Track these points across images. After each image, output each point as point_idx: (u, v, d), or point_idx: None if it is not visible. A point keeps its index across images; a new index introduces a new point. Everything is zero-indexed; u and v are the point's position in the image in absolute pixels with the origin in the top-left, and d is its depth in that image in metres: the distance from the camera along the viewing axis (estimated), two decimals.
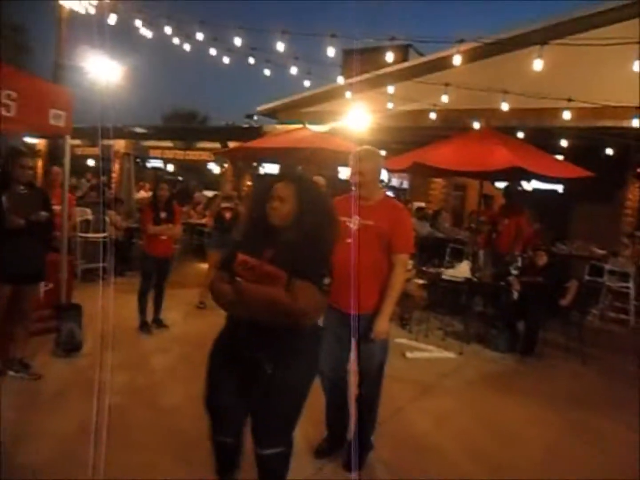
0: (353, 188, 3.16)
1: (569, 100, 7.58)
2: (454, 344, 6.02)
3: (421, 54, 13.26)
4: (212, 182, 17.08)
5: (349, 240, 2.97)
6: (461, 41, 6.39)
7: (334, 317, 3.23)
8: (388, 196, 3.31)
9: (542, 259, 6.30)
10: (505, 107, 7.86)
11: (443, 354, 5.73)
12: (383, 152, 11.14)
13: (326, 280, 2.33)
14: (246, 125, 14.67)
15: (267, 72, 8.30)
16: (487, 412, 4.36)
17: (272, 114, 13.88)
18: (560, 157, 8.56)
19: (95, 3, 8.64)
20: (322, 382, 3.30)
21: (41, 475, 2.88)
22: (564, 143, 9.20)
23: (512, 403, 4.56)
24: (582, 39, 7.77)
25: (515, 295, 6.26)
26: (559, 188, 11.19)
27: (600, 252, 9.09)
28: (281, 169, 9.92)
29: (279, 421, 2.42)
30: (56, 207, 5.06)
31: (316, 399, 3.59)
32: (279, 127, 12.46)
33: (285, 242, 2.32)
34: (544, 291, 6.03)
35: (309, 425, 3.54)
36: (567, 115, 7.78)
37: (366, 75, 10.54)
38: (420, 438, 3.75)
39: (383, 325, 3.07)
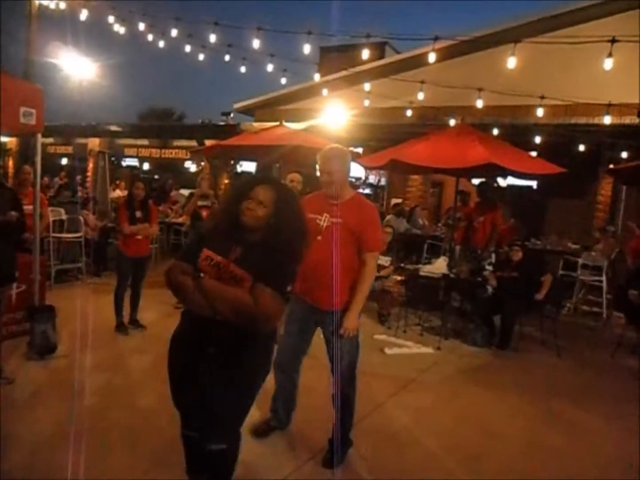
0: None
1: (542, 97, 7.70)
2: (432, 340, 6.07)
3: (397, 52, 13.35)
4: (189, 180, 16.92)
5: (319, 238, 3.00)
6: (436, 38, 6.43)
7: (300, 309, 3.25)
8: (358, 194, 3.33)
9: (518, 255, 6.39)
10: (480, 104, 7.94)
11: (421, 350, 5.78)
12: (360, 149, 11.20)
13: (289, 288, 2.35)
14: (223, 123, 14.54)
15: (243, 69, 8.26)
16: (465, 406, 4.41)
17: (248, 111, 13.82)
18: (534, 154, 8.69)
19: None
20: (274, 370, 3.31)
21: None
22: (537, 140, 9.34)
23: (490, 396, 4.62)
24: (554, 37, 7.90)
25: (489, 290, 6.34)
26: (534, 184, 11.38)
27: (574, 246, 9.27)
28: (261, 170, 9.87)
29: (226, 418, 2.40)
30: (28, 207, 4.96)
31: (302, 399, 3.60)
32: (256, 124, 12.40)
33: (254, 244, 2.30)
34: (519, 286, 6.12)
35: (292, 423, 3.56)
36: (540, 112, 7.90)
37: (343, 73, 10.56)
38: (399, 433, 3.78)
39: (352, 321, 3.10)
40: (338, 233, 3.00)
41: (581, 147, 9.62)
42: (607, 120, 7.69)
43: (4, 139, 16.78)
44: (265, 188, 2.34)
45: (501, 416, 4.24)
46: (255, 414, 3.52)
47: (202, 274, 2.22)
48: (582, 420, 4.24)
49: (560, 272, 8.29)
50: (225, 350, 2.29)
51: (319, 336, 5.95)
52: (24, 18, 9.58)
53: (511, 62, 6.31)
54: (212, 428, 2.40)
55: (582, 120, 8.93)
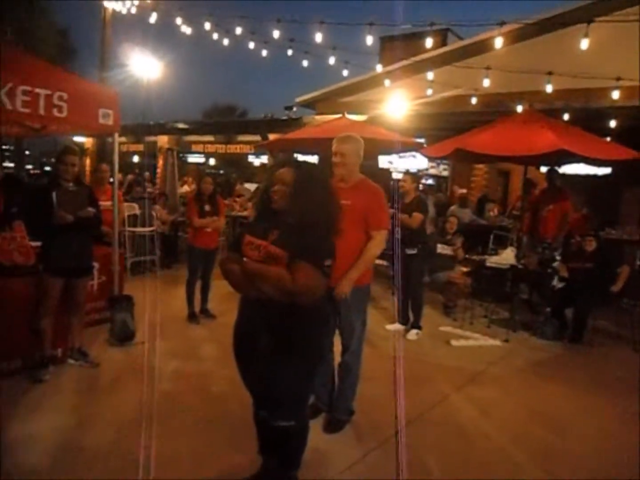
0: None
1: (618, 79, 7.30)
2: (500, 332, 5.94)
3: (460, 38, 12.99)
4: (253, 174, 17.30)
5: None
6: (502, 23, 6.23)
7: None
8: (366, 179, 3.48)
9: (591, 245, 6.13)
10: (549, 88, 7.63)
11: (489, 342, 5.67)
12: (422, 140, 10.96)
13: (327, 262, 2.45)
14: (285, 117, 14.74)
15: (305, 63, 8.33)
16: (536, 400, 4.30)
17: (310, 104, 13.91)
18: (608, 139, 8.26)
19: (137, 3, 8.85)
20: None
21: (102, 455, 3.05)
22: (612, 124, 8.86)
23: (562, 391, 4.48)
24: (629, 15, 7.44)
25: (556, 281, 6.11)
26: (608, 170, 10.81)
27: None
28: (321, 160, 9.94)
29: (287, 395, 2.53)
30: (105, 203, 5.26)
31: (368, 389, 3.65)
32: (318, 117, 12.48)
33: (290, 225, 2.44)
34: (593, 277, 5.87)
35: (357, 412, 3.62)
36: (615, 94, 7.49)
37: (404, 62, 10.41)
38: (467, 426, 3.74)
39: (344, 286, 3.22)
40: (347, 214, 3.00)
41: None
42: None
43: (82, 139, 17.82)
44: (286, 169, 2.52)
45: (573, 413, 4.11)
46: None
47: (245, 259, 2.41)
48: None
49: (638, 263, 7.85)
50: (278, 331, 2.44)
51: (379, 325, 6.00)
52: (95, 23, 10.12)
53: (584, 44, 6.01)
54: (277, 406, 2.55)
55: None
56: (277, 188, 2.47)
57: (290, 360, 2.46)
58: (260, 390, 2.60)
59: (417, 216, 5.70)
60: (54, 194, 3.95)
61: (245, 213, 10.43)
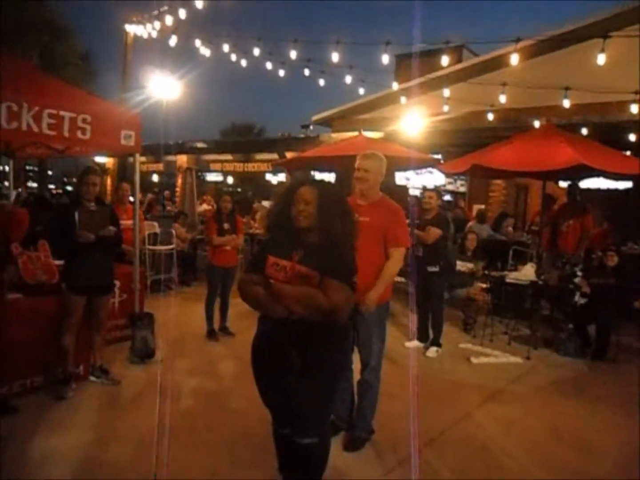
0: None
1: (636, 92, 7.25)
2: (521, 349, 5.86)
3: (475, 54, 13.03)
4: (270, 192, 17.43)
5: None
6: (518, 40, 6.26)
7: None
8: (385, 197, 3.52)
9: (613, 260, 6.05)
10: (567, 103, 7.61)
11: (509, 359, 5.60)
12: (439, 156, 10.95)
13: (354, 278, 2.46)
14: (302, 135, 14.89)
15: (321, 82, 8.43)
16: (558, 418, 4.22)
17: (327, 122, 14.03)
18: (627, 153, 8.18)
19: (158, 27, 9.08)
20: None
21: (122, 472, 3.06)
22: (631, 138, 8.78)
23: (584, 409, 4.40)
24: None
25: (578, 297, 6.02)
26: (630, 184, 10.68)
27: None
28: (338, 179, 10.00)
29: (311, 412, 2.51)
30: (126, 222, 5.35)
31: (387, 407, 3.63)
32: (334, 135, 12.57)
33: (312, 243, 2.46)
34: (616, 293, 5.78)
35: (377, 430, 3.59)
36: (634, 108, 7.44)
37: (420, 79, 10.47)
38: (488, 444, 3.68)
39: (372, 298, 3.25)
40: (365, 231, 3.01)
41: None
42: None
43: (103, 159, 18.18)
44: (307, 188, 2.52)
45: (597, 431, 4.02)
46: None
47: (271, 280, 2.39)
48: None
49: None
50: (302, 347, 2.43)
51: (398, 342, 5.95)
52: (117, 47, 10.39)
53: (601, 59, 6.00)
54: (301, 423, 2.53)
55: None
56: (302, 208, 2.46)
57: (312, 376, 2.46)
58: (282, 407, 2.59)
59: (432, 231, 5.67)
60: (75, 214, 4.04)
61: (263, 231, 10.48)
